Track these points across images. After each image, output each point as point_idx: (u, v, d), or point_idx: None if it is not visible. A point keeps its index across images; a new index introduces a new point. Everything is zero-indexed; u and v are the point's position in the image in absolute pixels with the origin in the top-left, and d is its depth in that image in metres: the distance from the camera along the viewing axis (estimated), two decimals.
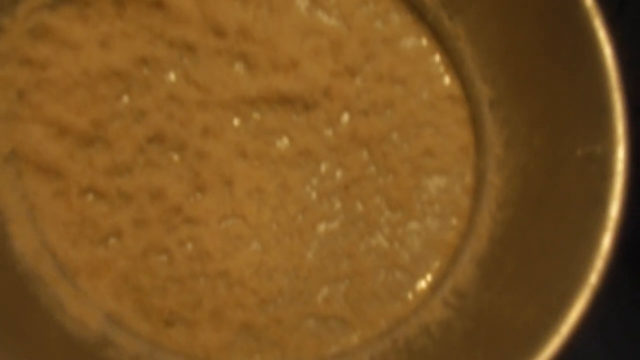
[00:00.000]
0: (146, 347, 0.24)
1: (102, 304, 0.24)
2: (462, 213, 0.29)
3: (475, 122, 0.31)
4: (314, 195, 0.28)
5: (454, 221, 0.29)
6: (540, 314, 0.22)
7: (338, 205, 0.28)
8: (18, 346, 0.20)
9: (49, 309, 0.23)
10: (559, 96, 0.26)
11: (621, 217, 0.22)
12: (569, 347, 0.20)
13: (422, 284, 0.28)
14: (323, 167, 0.29)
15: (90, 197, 0.26)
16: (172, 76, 0.28)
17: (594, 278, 0.21)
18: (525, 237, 0.26)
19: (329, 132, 0.29)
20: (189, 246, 0.26)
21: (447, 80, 0.31)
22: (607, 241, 0.22)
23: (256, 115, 0.28)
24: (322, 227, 0.28)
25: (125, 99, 0.27)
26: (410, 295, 0.28)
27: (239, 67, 0.29)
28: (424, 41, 0.32)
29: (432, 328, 0.26)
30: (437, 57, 0.32)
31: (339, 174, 0.29)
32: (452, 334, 0.25)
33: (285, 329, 0.26)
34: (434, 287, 0.28)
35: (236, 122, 0.28)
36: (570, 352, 0.20)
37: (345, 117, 0.29)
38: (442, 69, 0.32)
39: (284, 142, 0.29)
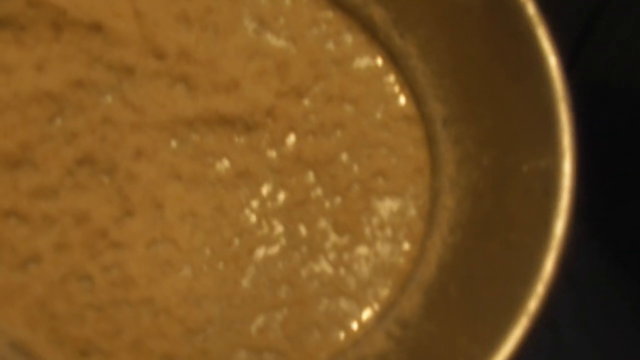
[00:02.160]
0: None
1: (9, 332, 0.23)
2: (415, 238, 0.27)
3: (430, 142, 0.29)
4: (253, 218, 0.27)
5: (407, 246, 0.27)
6: (471, 345, 0.19)
7: (279, 229, 0.27)
8: None
9: None
10: (506, 111, 0.25)
11: (567, 236, 0.20)
12: None
13: (368, 313, 0.26)
14: (264, 190, 0.27)
15: (11, 220, 0.25)
16: (108, 99, 0.27)
17: (532, 304, 0.19)
18: (471, 262, 0.23)
19: (272, 154, 0.28)
20: (113, 272, 0.25)
21: (402, 100, 0.30)
22: (549, 263, 0.20)
23: (194, 137, 0.27)
24: (260, 252, 0.26)
25: (58, 121, 0.26)
26: (354, 325, 0.26)
27: (179, 89, 0.28)
28: (379, 61, 0.30)
29: None
30: (392, 77, 0.30)
31: (281, 196, 0.27)
32: None
33: None
34: (380, 317, 0.25)
35: (173, 144, 0.27)
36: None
37: (291, 138, 0.28)
38: (397, 89, 0.30)
39: (223, 164, 0.27)
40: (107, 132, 0.27)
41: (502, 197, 0.23)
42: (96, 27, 0.28)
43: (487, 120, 0.26)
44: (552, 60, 0.22)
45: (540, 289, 0.19)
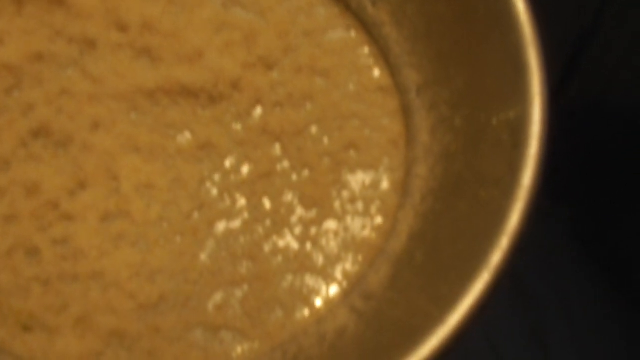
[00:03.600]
0: None
1: None
2: (389, 211, 0.26)
3: (405, 112, 0.27)
4: (214, 191, 0.25)
5: (379, 220, 0.25)
6: (429, 305, 0.17)
7: (242, 202, 0.25)
8: None
9: None
10: (478, 68, 0.23)
11: (535, 187, 0.18)
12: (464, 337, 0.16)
13: (335, 289, 0.24)
14: (227, 162, 0.26)
15: None
16: (68, 71, 0.26)
17: (495, 258, 0.17)
18: (439, 226, 0.21)
19: (237, 126, 0.26)
20: (63, 245, 0.23)
21: (376, 72, 0.28)
22: (515, 215, 0.18)
23: (155, 109, 0.26)
24: (221, 226, 0.25)
25: (14, 93, 0.26)
26: (319, 302, 0.24)
27: (141, 61, 0.27)
28: (353, 33, 0.29)
29: (328, 336, 0.21)
30: (366, 49, 0.29)
31: (245, 169, 0.26)
32: (342, 340, 0.20)
33: (165, 338, 0.22)
34: (347, 292, 0.23)
35: (132, 115, 0.26)
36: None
37: (258, 111, 0.27)
38: (371, 60, 0.29)
39: (184, 136, 0.26)
40: (64, 104, 0.26)
41: (472, 156, 0.22)
42: (58, 1, 0.27)
43: (459, 80, 0.24)
44: (520, 5, 0.21)
45: (504, 242, 0.17)
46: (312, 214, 0.25)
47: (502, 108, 0.21)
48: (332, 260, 0.25)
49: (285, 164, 0.26)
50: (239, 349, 0.23)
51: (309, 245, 0.25)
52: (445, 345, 0.16)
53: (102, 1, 0.27)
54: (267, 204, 0.25)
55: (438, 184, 0.23)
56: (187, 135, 0.26)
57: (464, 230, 0.20)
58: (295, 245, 0.25)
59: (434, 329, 0.16)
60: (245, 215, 0.25)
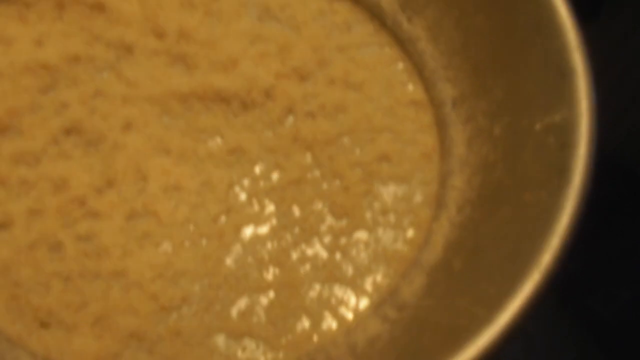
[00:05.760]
0: (6, 348, 0.20)
1: None
2: (421, 224, 0.25)
3: (439, 125, 0.27)
4: (242, 196, 0.25)
5: (411, 233, 0.24)
6: (473, 307, 0.16)
7: (270, 208, 0.25)
8: None
9: None
10: (518, 76, 0.23)
11: (584, 187, 0.17)
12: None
13: (365, 301, 0.23)
14: (257, 168, 0.25)
15: None
16: (104, 74, 0.26)
17: (546, 258, 0.16)
18: (479, 234, 0.20)
19: (268, 134, 0.26)
20: (87, 242, 0.23)
21: (410, 86, 0.28)
22: (566, 214, 0.17)
23: (188, 113, 0.26)
24: (248, 231, 0.24)
25: (50, 92, 0.26)
26: (348, 313, 0.23)
27: (176, 67, 0.27)
28: (387, 50, 0.29)
29: (360, 345, 0.20)
30: (401, 65, 0.29)
31: (275, 175, 0.25)
32: (374, 348, 0.19)
33: (186, 343, 0.21)
34: (377, 304, 0.22)
35: (164, 118, 0.26)
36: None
37: (289, 119, 0.27)
38: (405, 76, 0.29)
39: (215, 141, 0.26)
40: (98, 104, 0.26)
41: (513, 162, 0.21)
42: (99, 7, 0.28)
43: (497, 90, 0.24)
44: (563, 11, 0.20)
45: (555, 242, 0.16)
46: (342, 223, 0.25)
47: (547, 113, 0.20)
48: (362, 271, 0.24)
49: (316, 172, 0.26)
50: (262, 358, 0.21)
51: (338, 255, 0.24)
52: (493, 344, 0.15)
53: (142, 9, 0.28)
54: (296, 211, 0.25)
55: (475, 194, 0.23)
56: (218, 140, 0.26)
57: (508, 234, 0.19)
58: (324, 254, 0.24)
59: (482, 329, 0.15)
60: (274, 221, 0.24)
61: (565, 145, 0.18)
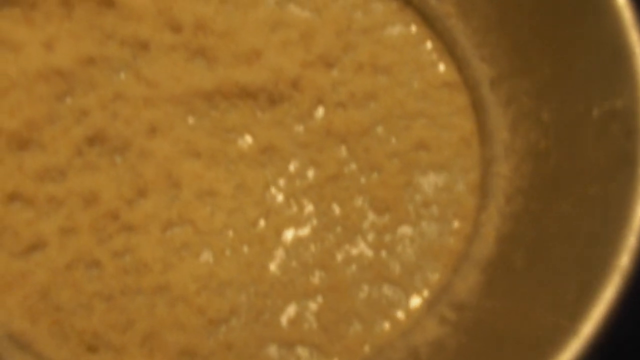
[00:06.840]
0: None
1: (7, 322, 0.20)
2: (467, 214, 0.24)
3: (476, 108, 0.26)
4: (280, 197, 0.24)
5: (457, 224, 0.24)
6: (553, 314, 0.15)
7: (310, 208, 0.24)
8: None
9: None
10: (567, 55, 0.21)
11: None
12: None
13: (417, 300, 0.22)
14: (292, 166, 0.24)
15: (15, 204, 0.22)
16: (122, 75, 0.25)
17: (624, 259, 0.15)
18: (538, 227, 0.20)
19: (299, 128, 0.25)
20: (124, 257, 0.22)
21: (441, 67, 0.27)
22: None
23: (214, 112, 0.25)
24: (289, 234, 0.23)
25: (67, 99, 0.24)
26: (400, 314, 0.22)
27: (197, 62, 0.26)
28: (413, 28, 0.28)
29: (422, 350, 0.20)
30: (429, 44, 0.27)
31: (311, 173, 0.24)
32: (441, 354, 0.18)
33: (238, 356, 0.21)
34: (431, 302, 0.22)
35: (190, 119, 0.25)
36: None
37: (320, 111, 0.25)
38: (435, 56, 0.27)
39: (245, 140, 0.25)
40: (119, 109, 0.24)
41: (571, 151, 0.20)
42: (108, 2, 0.26)
43: (544, 70, 0.22)
44: None
45: (632, 241, 0.15)
46: (385, 219, 0.24)
47: (605, 97, 0.19)
48: (411, 269, 0.23)
49: (353, 166, 0.25)
50: None
51: (384, 253, 0.23)
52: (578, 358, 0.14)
53: (153, 1, 0.26)
54: (336, 209, 0.24)
55: (527, 183, 0.22)
56: (248, 139, 0.25)
57: (574, 231, 0.18)
58: (369, 253, 0.23)
59: (568, 341, 0.14)
60: (314, 221, 0.23)
61: (632, 132, 0.17)
